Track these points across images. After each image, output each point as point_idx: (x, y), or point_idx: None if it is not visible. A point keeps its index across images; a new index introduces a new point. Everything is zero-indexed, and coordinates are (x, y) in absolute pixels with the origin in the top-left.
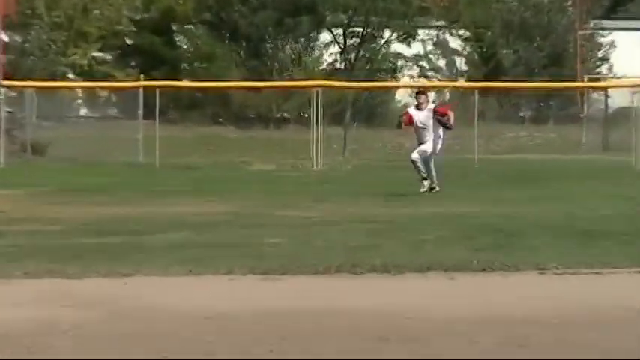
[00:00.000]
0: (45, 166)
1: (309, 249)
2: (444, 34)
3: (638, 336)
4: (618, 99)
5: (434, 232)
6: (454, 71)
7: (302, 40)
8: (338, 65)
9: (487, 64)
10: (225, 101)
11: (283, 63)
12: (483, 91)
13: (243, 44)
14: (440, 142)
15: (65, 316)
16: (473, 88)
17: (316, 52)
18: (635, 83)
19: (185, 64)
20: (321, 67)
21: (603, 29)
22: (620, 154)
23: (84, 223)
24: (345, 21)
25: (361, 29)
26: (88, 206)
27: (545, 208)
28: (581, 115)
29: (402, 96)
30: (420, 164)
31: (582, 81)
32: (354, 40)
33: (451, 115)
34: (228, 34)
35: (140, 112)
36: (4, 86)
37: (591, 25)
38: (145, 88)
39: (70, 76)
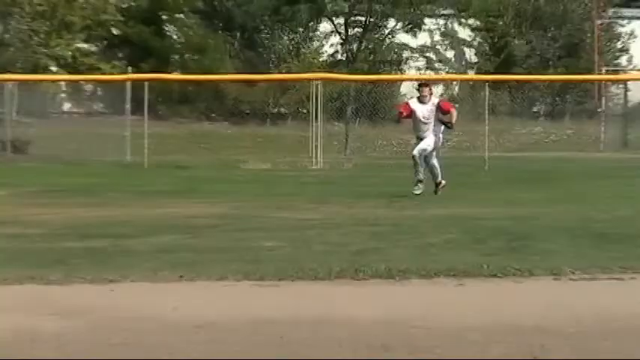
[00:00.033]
0: (26, 165)
1: (308, 253)
2: (452, 23)
3: None
4: (639, 93)
5: (441, 235)
6: (463, 63)
7: (300, 29)
8: (339, 57)
9: (498, 56)
10: (218, 95)
11: (280, 54)
12: (494, 85)
13: (238, 34)
14: (441, 138)
15: (47, 325)
16: (483, 81)
17: (316, 43)
18: None
19: (175, 56)
20: (320, 59)
21: (622, 18)
22: None
23: (67, 226)
24: (347, 9)
25: (364, 18)
26: (71, 208)
27: (561, 210)
28: (599, 110)
29: (408, 89)
30: (419, 162)
31: (600, 73)
32: (356, 29)
33: (454, 113)
34: (221, 24)
35: (127, 107)
36: None
37: (610, 13)
38: (133, 81)
39: (53, 68)
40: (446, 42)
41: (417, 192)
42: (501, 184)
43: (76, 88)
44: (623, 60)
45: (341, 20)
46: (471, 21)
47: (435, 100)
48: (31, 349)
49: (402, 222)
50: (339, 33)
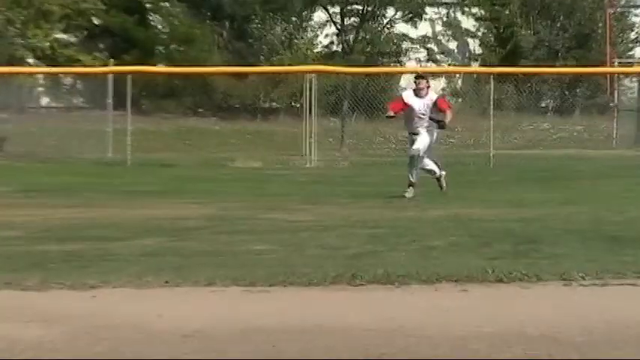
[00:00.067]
0: (1, 163)
1: (301, 257)
2: (454, 12)
3: None
4: None
5: (443, 238)
6: (467, 55)
7: (293, 19)
8: (334, 48)
9: (504, 47)
10: (205, 89)
11: (272, 45)
12: (500, 78)
13: (227, 24)
14: (435, 135)
15: (23, 334)
16: (488, 74)
17: (310, 34)
18: None
19: (160, 47)
20: (315, 50)
21: (636, 6)
22: None
23: (45, 228)
24: None
25: (361, 7)
26: (50, 209)
27: (570, 211)
28: (612, 105)
29: (408, 83)
30: (416, 165)
31: (613, 65)
32: (352, 19)
33: (449, 114)
34: (209, 13)
35: (109, 101)
36: None
37: (622, 1)
38: (115, 74)
39: (30, 60)
40: (448, 32)
41: (408, 195)
42: (507, 183)
43: (54, 82)
44: (637, 51)
45: (337, 9)
46: (474, 10)
47: (433, 95)
48: None
49: (401, 224)
50: (335, 23)
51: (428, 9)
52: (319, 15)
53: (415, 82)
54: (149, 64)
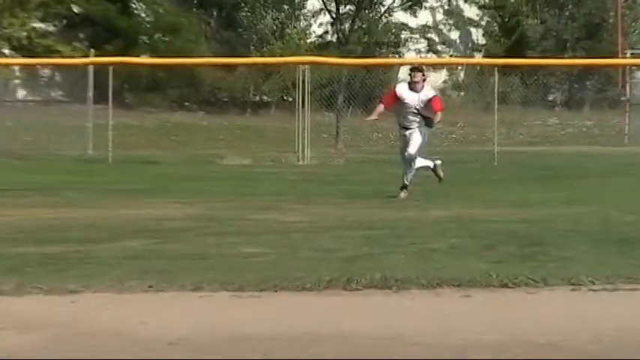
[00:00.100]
0: None
1: (294, 260)
2: (457, 0)
3: None
4: None
5: (444, 239)
6: (469, 45)
7: (285, 7)
8: (329, 38)
9: (509, 37)
10: (192, 82)
11: (263, 35)
12: (505, 70)
13: (214, 13)
14: (426, 135)
15: None
16: (492, 66)
17: (303, 22)
18: None
19: (144, 37)
20: (308, 41)
21: None
22: None
23: (22, 229)
24: None
25: None
26: (27, 208)
27: (579, 211)
28: (623, 99)
29: (407, 75)
30: (412, 165)
31: (624, 57)
32: (348, 7)
33: (440, 115)
34: (195, 1)
35: (90, 95)
36: None
37: None
38: (96, 65)
39: (6, 51)
40: (450, 21)
41: (402, 196)
42: (512, 181)
43: (31, 74)
44: None
45: None
46: None
47: (429, 92)
48: None
49: (399, 224)
50: (329, 11)
51: None
52: (313, 3)
53: (410, 74)
54: (132, 55)
